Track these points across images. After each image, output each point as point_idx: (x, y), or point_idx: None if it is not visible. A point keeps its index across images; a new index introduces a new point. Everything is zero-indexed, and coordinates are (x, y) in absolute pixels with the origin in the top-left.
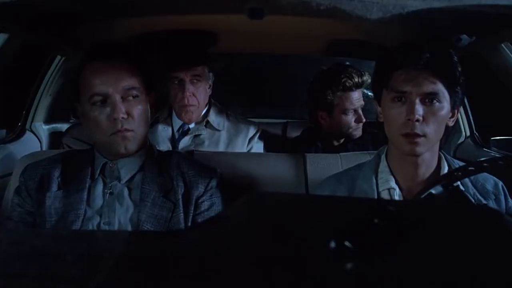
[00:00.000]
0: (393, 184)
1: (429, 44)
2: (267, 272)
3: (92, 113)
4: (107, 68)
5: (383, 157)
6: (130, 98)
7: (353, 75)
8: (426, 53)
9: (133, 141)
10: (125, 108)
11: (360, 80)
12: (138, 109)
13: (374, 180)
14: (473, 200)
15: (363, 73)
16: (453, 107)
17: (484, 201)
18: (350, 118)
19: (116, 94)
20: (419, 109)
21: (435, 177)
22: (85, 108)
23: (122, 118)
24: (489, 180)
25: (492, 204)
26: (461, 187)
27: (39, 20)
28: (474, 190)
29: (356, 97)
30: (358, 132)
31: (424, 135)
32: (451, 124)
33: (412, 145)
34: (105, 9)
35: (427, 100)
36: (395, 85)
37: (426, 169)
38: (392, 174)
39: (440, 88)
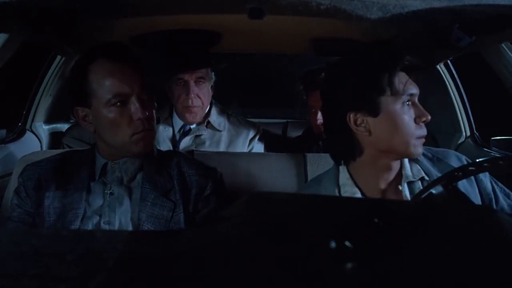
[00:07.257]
0: (359, 195)
1: None
2: (267, 272)
3: (110, 115)
4: (121, 68)
5: (342, 168)
6: (145, 98)
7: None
8: None
9: (151, 141)
10: (143, 108)
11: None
12: (153, 109)
13: (338, 194)
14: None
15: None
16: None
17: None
18: (314, 117)
19: (136, 95)
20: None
21: (397, 181)
22: (100, 110)
23: (144, 118)
24: (451, 157)
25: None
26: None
27: (39, 20)
28: (434, 170)
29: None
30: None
31: None
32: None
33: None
34: (106, 9)
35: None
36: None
37: (391, 173)
38: (356, 185)
39: None
